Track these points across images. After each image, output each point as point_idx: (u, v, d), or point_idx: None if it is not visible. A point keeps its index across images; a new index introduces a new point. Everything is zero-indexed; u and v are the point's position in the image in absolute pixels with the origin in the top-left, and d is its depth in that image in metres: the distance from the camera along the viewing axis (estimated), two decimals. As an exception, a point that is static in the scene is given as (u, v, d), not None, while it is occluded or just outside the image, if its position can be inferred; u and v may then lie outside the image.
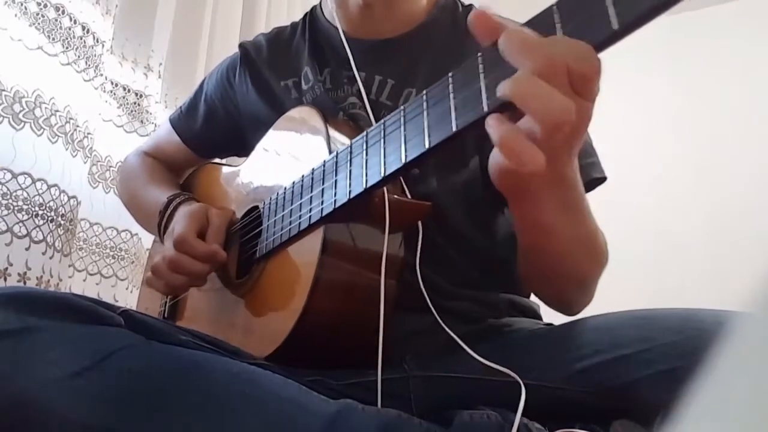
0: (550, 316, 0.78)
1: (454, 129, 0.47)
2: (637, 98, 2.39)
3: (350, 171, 0.58)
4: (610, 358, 0.59)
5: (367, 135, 0.57)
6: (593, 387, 0.59)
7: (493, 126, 0.42)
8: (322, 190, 0.62)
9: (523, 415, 0.54)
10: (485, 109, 0.44)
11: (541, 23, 0.42)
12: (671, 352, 0.55)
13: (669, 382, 0.53)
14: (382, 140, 0.55)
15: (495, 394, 0.58)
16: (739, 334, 0.17)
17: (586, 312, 0.70)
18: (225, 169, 0.97)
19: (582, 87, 0.41)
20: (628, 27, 0.38)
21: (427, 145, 0.49)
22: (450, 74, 0.49)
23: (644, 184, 2.37)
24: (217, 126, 0.97)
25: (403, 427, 0.52)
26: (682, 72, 2.38)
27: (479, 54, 0.46)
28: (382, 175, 0.53)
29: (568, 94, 0.40)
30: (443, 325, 0.63)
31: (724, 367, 0.17)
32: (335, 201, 0.59)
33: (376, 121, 0.74)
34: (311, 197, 0.63)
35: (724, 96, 2.38)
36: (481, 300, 0.74)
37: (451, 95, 0.48)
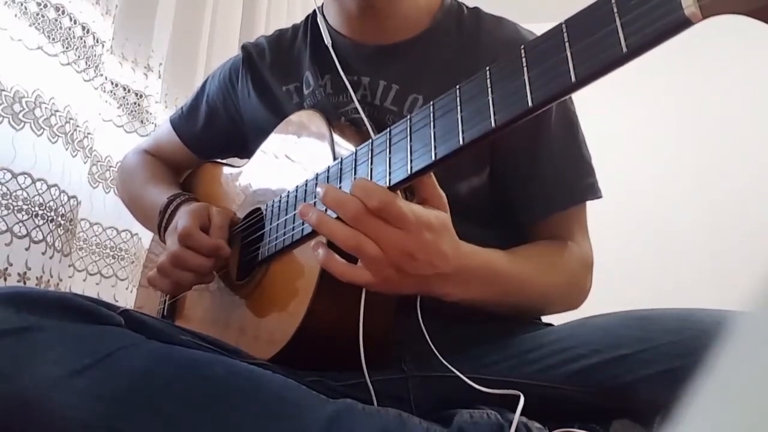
0: (551, 316, 0.78)
1: (461, 143, 0.47)
2: (637, 98, 2.39)
3: (355, 179, 0.58)
4: (610, 358, 0.59)
5: (372, 143, 0.58)
6: (593, 387, 0.59)
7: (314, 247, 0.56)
8: None
9: (522, 414, 0.54)
10: (493, 124, 0.45)
11: (549, 41, 0.43)
12: (670, 352, 0.55)
13: (668, 382, 0.53)
14: (388, 149, 0.55)
15: (494, 394, 0.58)
16: (738, 334, 0.17)
17: (587, 312, 0.70)
18: (226, 169, 0.96)
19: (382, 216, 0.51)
20: (637, 50, 0.38)
21: (433, 158, 0.49)
22: (458, 86, 0.49)
23: (644, 185, 2.37)
24: (218, 128, 0.96)
25: (404, 426, 0.52)
26: (682, 72, 2.38)
27: (488, 68, 0.47)
28: (388, 184, 0.54)
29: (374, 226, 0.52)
30: (428, 339, 0.63)
31: (723, 367, 0.17)
32: None
33: (377, 127, 0.75)
34: (315, 203, 0.63)
35: (723, 96, 2.38)
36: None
37: (459, 107, 0.48)
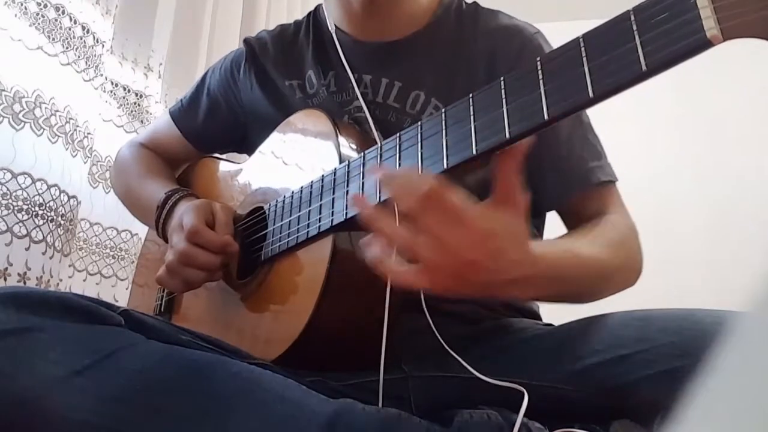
0: (550, 316, 0.78)
1: (474, 152, 0.47)
2: (637, 98, 2.39)
3: (363, 183, 0.58)
4: (610, 358, 0.59)
5: (381, 148, 0.58)
6: (593, 387, 0.59)
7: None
8: (333, 199, 0.62)
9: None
10: (507, 135, 0.45)
11: (566, 55, 0.43)
12: (670, 352, 0.55)
13: (668, 383, 0.53)
14: (398, 155, 0.55)
15: (494, 394, 0.58)
16: (738, 334, 0.17)
17: (587, 312, 0.70)
18: (223, 165, 0.96)
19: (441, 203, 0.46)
20: (656, 69, 0.37)
21: (445, 166, 0.49)
22: (470, 95, 0.49)
23: (644, 185, 2.37)
24: (219, 121, 0.96)
25: (404, 426, 0.52)
26: (682, 72, 2.37)
27: (502, 79, 0.47)
28: None
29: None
30: (437, 334, 0.63)
31: (723, 367, 0.17)
32: (346, 213, 0.59)
33: (381, 124, 0.75)
34: (321, 205, 0.63)
35: (724, 96, 2.38)
36: (481, 301, 0.74)
37: (472, 117, 0.48)
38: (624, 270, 0.70)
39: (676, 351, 0.55)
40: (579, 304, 0.69)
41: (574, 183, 0.75)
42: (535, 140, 0.72)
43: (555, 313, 0.76)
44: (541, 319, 0.79)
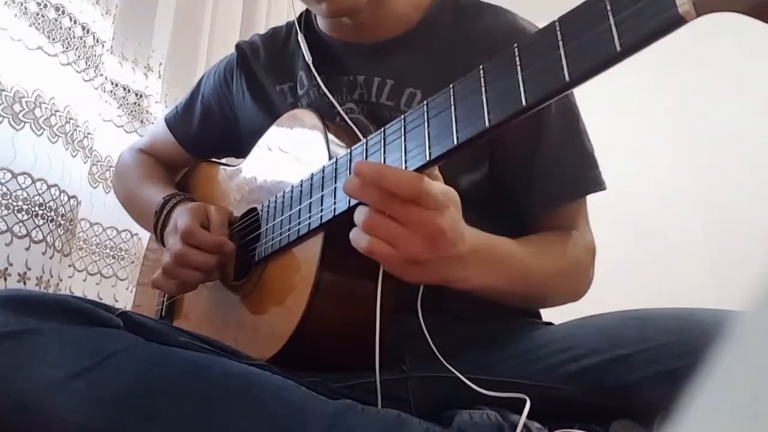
0: (550, 315, 0.78)
1: (455, 142, 0.47)
2: (636, 99, 2.39)
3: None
4: (609, 358, 0.59)
5: (366, 143, 0.57)
6: (592, 387, 0.59)
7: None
8: (322, 196, 0.62)
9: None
10: (487, 123, 0.45)
11: (542, 39, 0.42)
12: (670, 352, 0.55)
13: (668, 382, 0.53)
14: (383, 149, 0.55)
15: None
16: (737, 334, 0.17)
17: (587, 312, 0.70)
18: (221, 168, 0.96)
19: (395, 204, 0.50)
20: (630, 49, 0.37)
21: (428, 158, 0.49)
22: (451, 85, 0.49)
23: (643, 185, 2.37)
24: (213, 128, 0.96)
25: (403, 426, 0.52)
26: (681, 73, 2.37)
27: (481, 67, 0.47)
28: None
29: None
30: (429, 338, 0.63)
31: (722, 367, 0.17)
32: (335, 209, 0.59)
33: (376, 123, 0.74)
34: (310, 203, 0.63)
35: (723, 97, 2.38)
36: (481, 301, 0.74)
37: (453, 107, 0.48)
38: (572, 283, 0.73)
39: (676, 351, 0.55)
40: (527, 305, 0.72)
41: (563, 193, 0.75)
42: (527, 146, 0.73)
43: (556, 313, 0.76)
44: (541, 319, 0.79)
